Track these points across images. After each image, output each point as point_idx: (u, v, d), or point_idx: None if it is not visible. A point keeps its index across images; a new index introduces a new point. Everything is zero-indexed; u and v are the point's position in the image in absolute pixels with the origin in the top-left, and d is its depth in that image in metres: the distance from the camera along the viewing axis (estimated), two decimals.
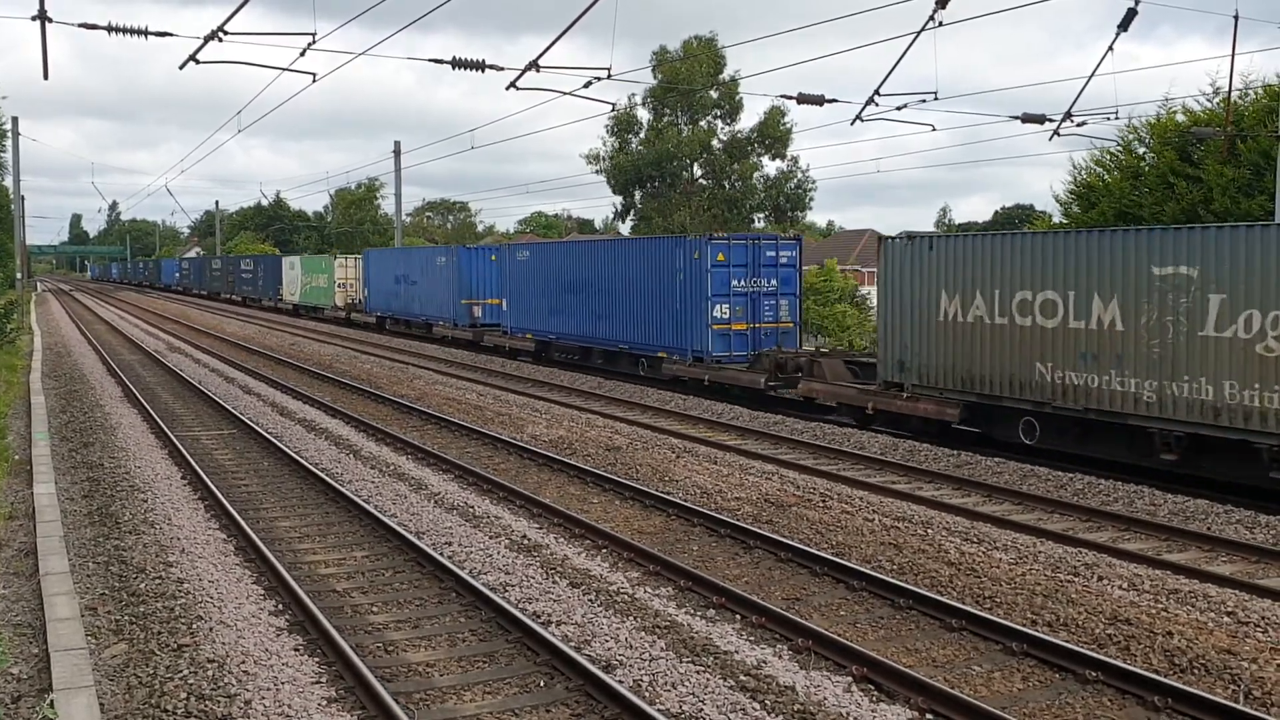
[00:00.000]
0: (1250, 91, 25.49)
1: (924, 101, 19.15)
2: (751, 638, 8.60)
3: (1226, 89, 21.86)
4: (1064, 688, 7.74)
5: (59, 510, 12.51)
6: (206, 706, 7.19)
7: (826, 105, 20.44)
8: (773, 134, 58.78)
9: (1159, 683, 7.50)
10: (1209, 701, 7.20)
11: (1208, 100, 27.10)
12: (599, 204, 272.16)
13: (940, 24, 15.86)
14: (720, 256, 23.84)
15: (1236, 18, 17.55)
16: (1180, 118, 27.13)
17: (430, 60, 18.60)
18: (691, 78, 56.20)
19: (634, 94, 60.21)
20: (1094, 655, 8.00)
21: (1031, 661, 8.18)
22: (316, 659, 8.10)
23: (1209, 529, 12.18)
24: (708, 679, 7.70)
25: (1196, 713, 7.19)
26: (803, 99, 20.34)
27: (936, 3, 15.63)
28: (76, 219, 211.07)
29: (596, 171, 60.74)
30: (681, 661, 8.04)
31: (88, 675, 7.48)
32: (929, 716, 7.17)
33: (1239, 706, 7.12)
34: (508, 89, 17.34)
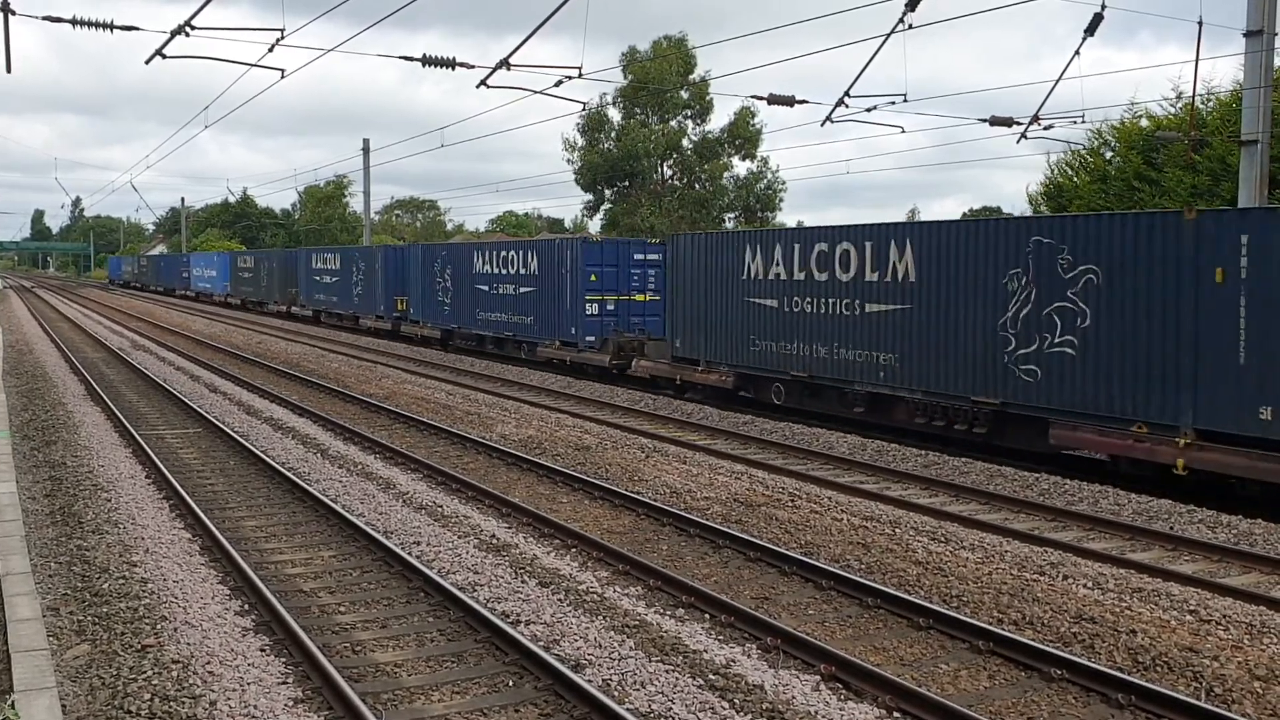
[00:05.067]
0: (1212, 97, 25.82)
1: (894, 103, 19.27)
2: (720, 637, 8.62)
3: (1190, 94, 22.13)
4: (1029, 685, 7.81)
5: (20, 509, 12.31)
6: (171, 708, 7.11)
7: (801, 106, 20.51)
8: (743, 134, 58.91)
9: (1123, 680, 7.58)
10: (1171, 698, 7.29)
11: (1170, 105, 27.45)
12: (570, 203, 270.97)
13: (910, 26, 15.99)
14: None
15: (1200, 24, 17.78)
16: (1144, 122, 27.45)
17: (401, 58, 18.50)
18: (662, 78, 56.22)
19: (605, 93, 60.22)
20: (1059, 653, 8.07)
21: (998, 659, 8.24)
22: (283, 659, 8.03)
23: (1172, 529, 12.33)
24: (677, 678, 7.71)
25: (1159, 709, 7.27)
26: (773, 100, 20.39)
27: (906, 5, 15.74)
28: (39, 214, 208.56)
29: (569, 161, 60.61)
30: (650, 660, 8.04)
31: (49, 676, 7.36)
32: (896, 714, 7.21)
33: (1201, 703, 7.21)
34: (478, 87, 17.29)
